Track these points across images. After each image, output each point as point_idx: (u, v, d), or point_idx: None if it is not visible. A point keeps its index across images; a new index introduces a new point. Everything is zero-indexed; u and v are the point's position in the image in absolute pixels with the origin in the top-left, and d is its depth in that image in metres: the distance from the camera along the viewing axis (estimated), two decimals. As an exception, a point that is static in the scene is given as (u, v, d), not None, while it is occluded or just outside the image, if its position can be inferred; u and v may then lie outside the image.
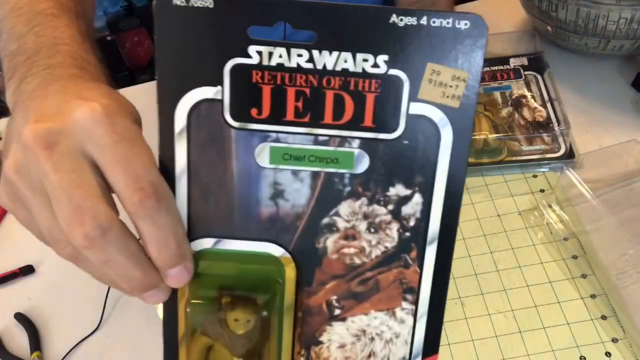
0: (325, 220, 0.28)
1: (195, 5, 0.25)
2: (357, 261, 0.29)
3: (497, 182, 0.62)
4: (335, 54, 0.26)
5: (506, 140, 0.63)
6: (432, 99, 0.26)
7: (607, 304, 0.50)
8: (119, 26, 1.46)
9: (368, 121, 0.27)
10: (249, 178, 0.28)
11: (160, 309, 0.30)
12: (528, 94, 0.67)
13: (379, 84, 0.26)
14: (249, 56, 0.26)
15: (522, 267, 0.54)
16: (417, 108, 0.26)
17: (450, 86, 0.26)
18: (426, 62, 0.26)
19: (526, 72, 0.69)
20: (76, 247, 0.26)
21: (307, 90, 0.26)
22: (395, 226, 0.28)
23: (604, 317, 0.49)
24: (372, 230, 0.28)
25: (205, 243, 0.28)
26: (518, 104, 0.66)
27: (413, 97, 0.26)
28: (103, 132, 0.26)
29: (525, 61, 0.71)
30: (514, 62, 0.71)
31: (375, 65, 0.26)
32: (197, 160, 0.27)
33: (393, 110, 0.26)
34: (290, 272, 0.29)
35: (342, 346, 0.30)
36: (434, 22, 0.25)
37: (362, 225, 0.28)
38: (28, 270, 0.60)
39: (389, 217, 0.28)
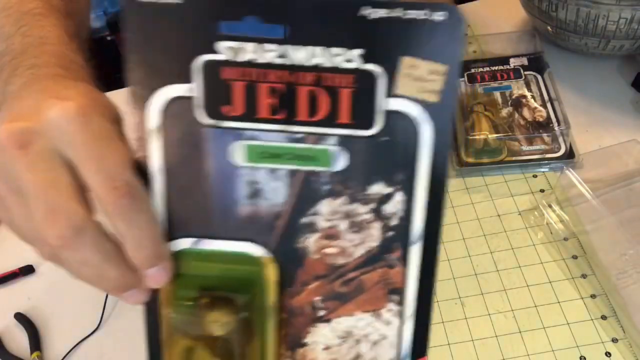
0: (305, 220, 0.27)
1: (164, 2, 0.25)
2: (340, 261, 0.28)
3: (497, 182, 0.62)
4: (306, 48, 0.25)
5: (506, 140, 0.63)
6: (410, 94, 0.25)
7: (607, 304, 0.50)
8: (119, 26, 1.46)
9: (344, 118, 0.26)
10: (225, 177, 0.27)
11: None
12: (528, 94, 0.67)
13: (354, 79, 0.25)
14: (219, 52, 0.25)
15: (522, 267, 0.54)
16: (395, 104, 0.26)
17: (428, 80, 0.25)
18: (402, 56, 0.25)
19: (526, 72, 0.69)
20: (52, 247, 0.26)
21: (280, 87, 0.25)
22: (377, 225, 0.27)
23: (604, 317, 0.49)
24: (354, 229, 0.28)
25: (184, 243, 0.28)
26: (518, 104, 0.66)
27: (390, 93, 0.25)
28: (77, 130, 0.26)
29: (525, 61, 0.71)
30: (514, 62, 0.71)
31: (349, 59, 0.25)
32: (173, 159, 0.27)
33: (369, 106, 0.26)
34: (271, 272, 0.28)
35: (327, 348, 0.29)
36: (408, 14, 0.24)
37: (344, 225, 0.28)
38: (28, 270, 0.60)
39: (370, 216, 0.27)
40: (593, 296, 0.51)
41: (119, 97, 0.29)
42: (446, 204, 0.27)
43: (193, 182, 0.27)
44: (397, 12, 0.24)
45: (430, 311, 0.29)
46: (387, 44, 0.25)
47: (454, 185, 0.63)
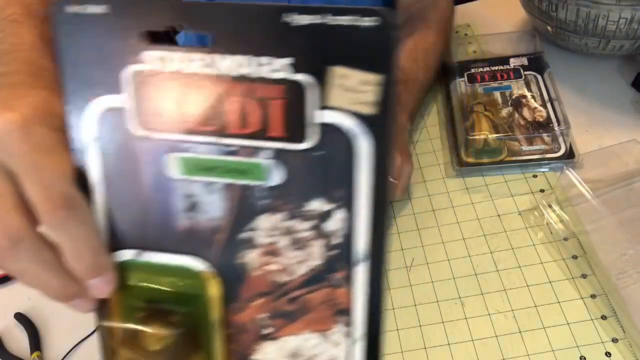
0: (244, 235, 0.26)
1: (89, 12, 0.24)
2: (283, 279, 0.27)
3: (497, 182, 0.62)
4: (232, 58, 0.24)
5: (506, 140, 0.63)
6: (343, 106, 0.24)
7: (607, 304, 0.50)
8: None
9: (276, 130, 0.24)
10: (162, 189, 0.26)
11: None
12: (528, 94, 0.67)
13: (284, 90, 0.24)
14: (148, 62, 0.25)
15: (522, 267, 0.54)
16: (328, 116, 0.24)
17: (362, 91, 0.23)
18: (332, 65, 0.23)
19: (526, 72, 0.69)
20: None
21: (209, 98, 0.24)
22: (319, 243, 0.26)
23: (604, 317, 0.49)
24: (296, 246, 0.26)
25: (127, 254, 0.28)
26: (518, 104, 0.66)
27: (323, 104, 0.24)
28: (16, 142, 0.26)
29: (525, 61, 0.71)
30: (514, 62, 0.71)
31: (277, 69, 0.24)
32: (110, 170, 0.27)
33: (301, 119, 0.24)
34: (213, 287, 0.27)
35: None
36: (335, 20, 0.22)
37: (284, 241, 0.26)
38: (28, 270, 0.60)
39: (311, 234, 0.26)
40: (593, 296, 0.51)
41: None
42: (390, 222, 0.25)
43: (132, 193, 0.27)
44: (323, 19, 0.22)
45: (381, 333, 0.27)
46: (315, 53, 0.23)
47: (454, 185, 0.63)
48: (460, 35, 0.81)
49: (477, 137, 0.63)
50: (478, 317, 0.51)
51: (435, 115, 0.72)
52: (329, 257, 0.26)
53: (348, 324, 0.27)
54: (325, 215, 0.26)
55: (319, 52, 0.23)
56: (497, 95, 0.67)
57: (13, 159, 0.26)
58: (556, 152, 0.62)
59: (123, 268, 0.28)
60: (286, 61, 0.23)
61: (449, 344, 0.50)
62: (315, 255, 0.26)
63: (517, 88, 0.68)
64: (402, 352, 0.50)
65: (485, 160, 0.63)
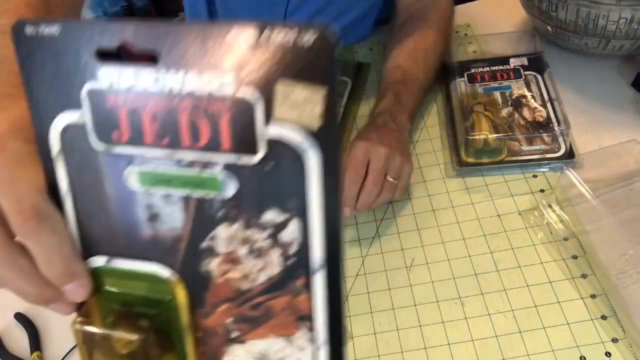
0: (205, 244, 0.27)
1: (43, 34, 0.26)
2: (245, 286, 0.28)
3: (497, 182, 0.62)
4: (178, 74, 0.25)
5: (506, 140, 0.63)
6: (290, 119, 0.24)
7: (607, 304, 0.50)
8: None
9: (226, 145, 0.25)
10: (124, 201, 0.27)
11: None
12: (528, 94, 0.67)
13: (231, 105, 0.24)
14: (101, 80, 0.26)
15: (522, 267, 0.54)
16: (275, 130, 0.25)
17: (307, 105, 0.24)
18: (276, 80, 0.24)
19: (526, 72, 0.69)
20: None
21: (160, 113, 0.25)
22: (276, 252, 0.27)
23: (604, 317, 0.49)
24: (255, 255, 0.27)
25: (98, 261, 0.29)
26: (518, 104, 0.66)
27: (269, 119, 0.24)
28: None
29: (525, 61, 0.71)
30: (514, 62, 0.71)
31: (222, 85, 0.24)
32: (76, 183, 0.28)
33: (250, 134, 0.25)
34: (180, 293, 0.28)
35: None
36: (276, 35, 0.23)
37: (243, 250, 0.27)
38: (28, 270, 0.60)
39: (268, 243, 0.27)
40: (593, 296, 0.51)
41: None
42: (343, 232, 0.26)
43: (97, 204, 0.28)
44: (265, 36, 0.23)
45: (343, 338, 0.28)
46: (259, 69, 0.24)
47: (454, 185, 0.63)
48: (460, 35, 0.81)
49: (477, 137, 0.63)
50: (478, 317, 0.51)
51: (435, 115, 0.72)
52: (287, 265, 0.27)
53: (311, 329, 0.28)
54: (280, 226, 0.26)
55: (263, 68, 0.24)
56: (497, 95, 0.68)
57: None
58: (556, 152, 0.62)
59: (96, 274, 0.29)
60: (231, 77, 0.24)
61: (449, 344, 0.50)
62: (274, 264, 0.27)
63: (517, 88, 0.68)
64: (402, 352, 0.50)
65: (485, 160, 0.63)
